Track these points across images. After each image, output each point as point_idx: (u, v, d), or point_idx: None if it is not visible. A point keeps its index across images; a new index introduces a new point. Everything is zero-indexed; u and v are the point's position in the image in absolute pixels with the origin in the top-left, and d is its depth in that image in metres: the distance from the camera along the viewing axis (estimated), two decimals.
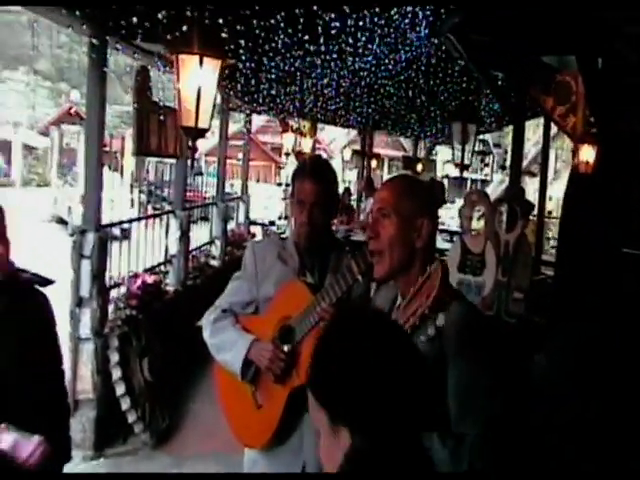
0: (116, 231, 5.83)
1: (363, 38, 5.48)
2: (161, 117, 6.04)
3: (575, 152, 7.00)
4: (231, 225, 10.31)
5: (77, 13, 4.51)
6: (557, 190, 22.43)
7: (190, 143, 3.43)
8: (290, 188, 2.66)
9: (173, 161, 7.14)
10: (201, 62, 3.21)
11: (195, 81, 3.24)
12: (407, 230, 1.91)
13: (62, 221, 19.05)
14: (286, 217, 14.36)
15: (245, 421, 2.60)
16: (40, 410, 2.16)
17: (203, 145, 26.38)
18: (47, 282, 2.42)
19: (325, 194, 2.50)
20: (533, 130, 25.32)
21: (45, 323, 2.35)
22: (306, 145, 12.69)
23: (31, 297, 2.31)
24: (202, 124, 3.32)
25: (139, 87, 5.65)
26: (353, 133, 24.72)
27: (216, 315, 2.64)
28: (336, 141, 36.88)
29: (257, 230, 13.68)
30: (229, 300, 2.67)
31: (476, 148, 7.82)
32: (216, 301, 2.71)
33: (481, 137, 16.96)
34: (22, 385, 2.15)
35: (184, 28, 3.39)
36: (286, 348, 2.39)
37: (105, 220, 5.29)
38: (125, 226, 6.23)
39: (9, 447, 1.99)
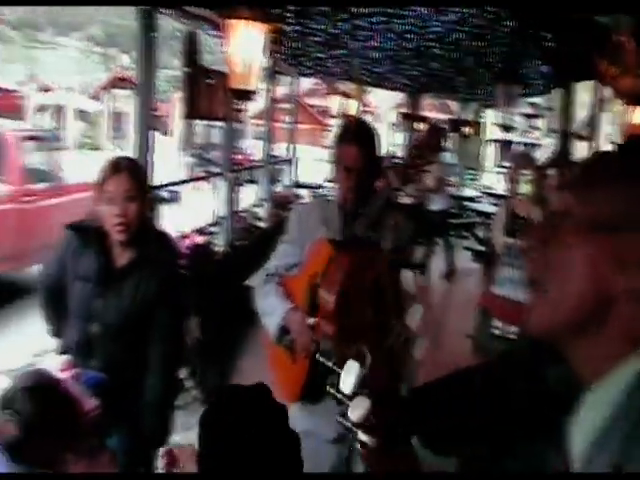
0: (165, 194, 5.93)
1: None
2: (210, 81, 6.09)
3: (628, 115, 6.84)
4: (278, 188, 10.38)
5: None
6: None
7: (239, 106, 3.49)
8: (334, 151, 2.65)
9: (221, 124, 7.20)
10: (248, 27, 3.26)
11: (243, 45, 3.30)
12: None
13: None
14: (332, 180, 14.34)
15: (284, 375, 2.66)
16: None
17: (251, 109, 26.40)
18: None
19: (371, 158, 2.49)
20: (584, 93, 24.64)
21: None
22: (353, 108, 12.61)
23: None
24: (250, 86, 3.38)
25: (188, 51, 5.71)
26: (401, 96, 24.39)
27: (262, 279, 2.69)
28: (383, 104, 36.51)
29: (304, 193, 13.74)
30: (275, 264, 2.72)
31: (525, 111, 7.70)
32: (265, 264, 2.76)
33: (531, 100, 16.60)
34: None
35: None
36: (312, 321, 2.40)
37: (155, 183, 5.37)
38: (174, 189, 6.34)
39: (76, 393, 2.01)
